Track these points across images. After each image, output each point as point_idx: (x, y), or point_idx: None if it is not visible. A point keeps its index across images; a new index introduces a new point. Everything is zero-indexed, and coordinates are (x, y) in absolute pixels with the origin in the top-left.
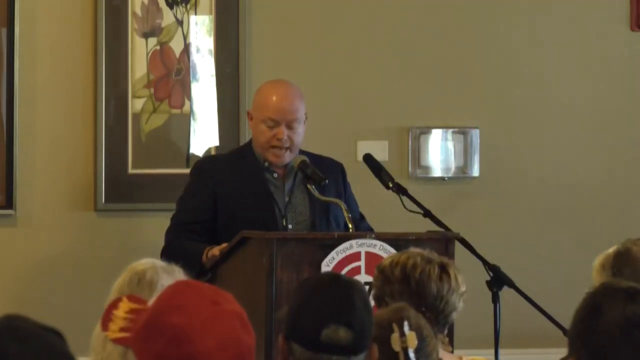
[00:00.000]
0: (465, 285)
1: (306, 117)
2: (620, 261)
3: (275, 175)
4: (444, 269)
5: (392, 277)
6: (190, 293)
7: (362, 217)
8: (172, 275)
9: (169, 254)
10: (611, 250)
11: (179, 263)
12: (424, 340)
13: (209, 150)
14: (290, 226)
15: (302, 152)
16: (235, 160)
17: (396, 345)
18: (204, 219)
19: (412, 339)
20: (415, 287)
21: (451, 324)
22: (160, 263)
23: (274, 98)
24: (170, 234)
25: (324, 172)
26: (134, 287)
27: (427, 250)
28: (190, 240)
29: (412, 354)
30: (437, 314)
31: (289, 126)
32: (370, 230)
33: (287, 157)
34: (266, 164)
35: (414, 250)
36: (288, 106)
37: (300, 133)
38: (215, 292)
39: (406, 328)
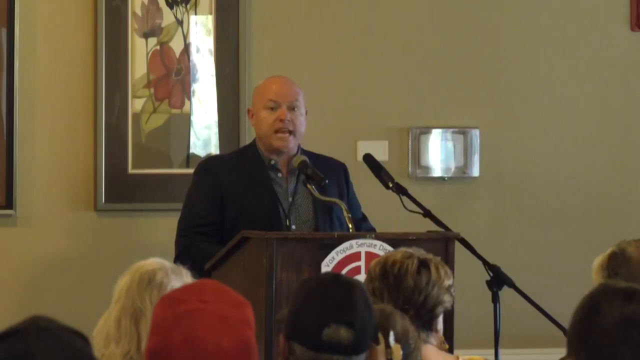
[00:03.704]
0: (452, 279)
1: (306, 112)
2: (616, 262)
3: (280, 175)
4: (423, 263)
5: (373, 275)
6: (187, 288)
7: (364, 218)
8: (180, 277)
9: (192, 259)
10: (608, 251)
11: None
12: (409, 345)
13: (209, 152)
14: (293, 227)
15: (304, 152)
16: (240, 160)
17: (381, 357)
18: (213, 221)
19: (397, 352)
20: (394, 282)
21: (438, 317)
22: (168, 264)
23: (274, 86)
24: (184, 238)
25: (326, 172)
26: (144, 287)
27: (413, 248)
28: (204, 242)
29: None
30: (417, 308)
31: (290, 107)
32: (373, 230)
33: (292, 142)
34: (272, 162)
35: (402, 249)
36: (287, 90)
37: (302, 121)
38: (214, 290)
39: (392, 339)
